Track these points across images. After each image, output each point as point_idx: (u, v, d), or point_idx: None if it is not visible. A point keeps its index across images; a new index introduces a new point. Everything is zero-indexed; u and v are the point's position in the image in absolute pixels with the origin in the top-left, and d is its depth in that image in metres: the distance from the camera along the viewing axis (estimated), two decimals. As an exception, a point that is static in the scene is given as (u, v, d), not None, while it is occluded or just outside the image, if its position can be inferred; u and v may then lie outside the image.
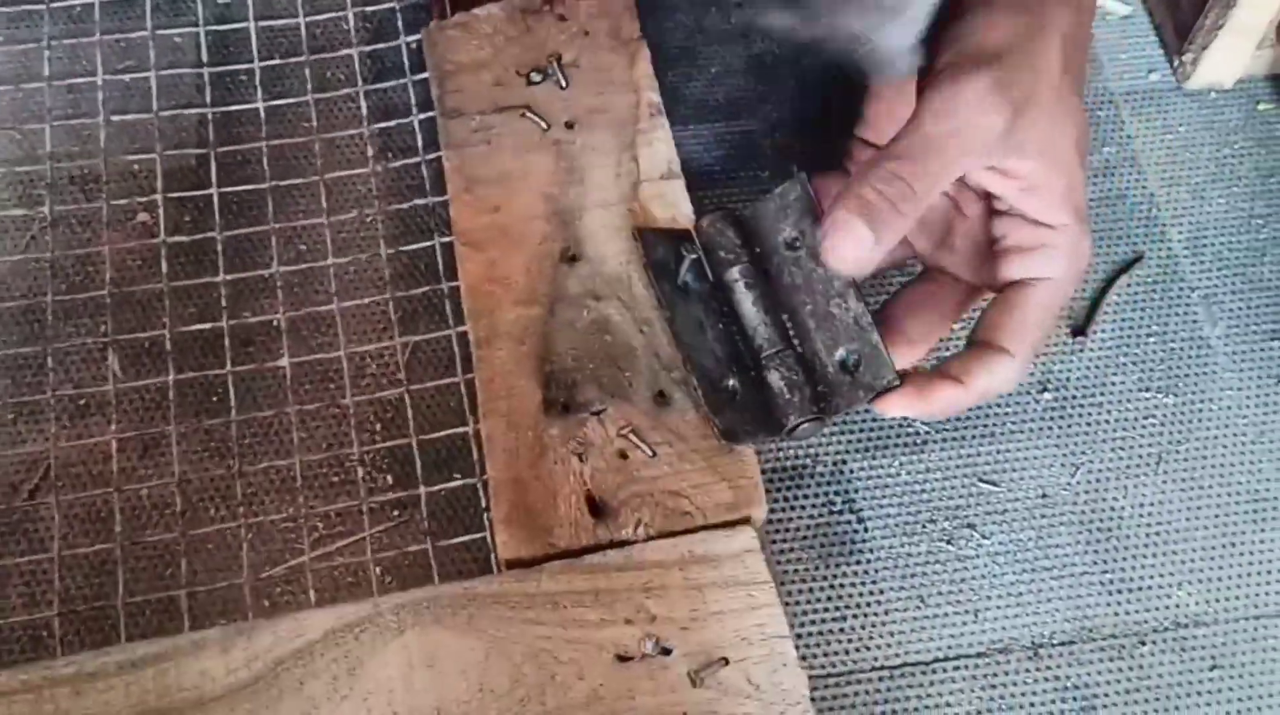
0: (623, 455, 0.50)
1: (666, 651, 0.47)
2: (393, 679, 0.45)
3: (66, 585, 0.52)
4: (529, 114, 0.57)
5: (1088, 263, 0.48)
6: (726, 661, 0.46)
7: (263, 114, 0.63)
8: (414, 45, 0.64)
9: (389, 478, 0.55)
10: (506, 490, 0.49)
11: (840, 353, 0.49)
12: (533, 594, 0.48)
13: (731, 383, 0.50)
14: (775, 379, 0.49)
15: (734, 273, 0.51)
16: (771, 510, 0.57)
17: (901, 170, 0.45)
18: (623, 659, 0.46)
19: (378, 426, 0.56)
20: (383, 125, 0.63)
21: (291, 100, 0.63)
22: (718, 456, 0.50)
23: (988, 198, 0.50)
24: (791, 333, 0.51)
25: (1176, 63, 0.71)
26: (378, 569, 0.52)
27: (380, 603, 0.47)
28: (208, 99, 0.63)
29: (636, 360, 0.52)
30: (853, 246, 0.46)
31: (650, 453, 0.50)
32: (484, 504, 0.53)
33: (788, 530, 0.57)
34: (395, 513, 0.54)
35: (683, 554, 0.48)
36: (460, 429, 0.55)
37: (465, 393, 0.55)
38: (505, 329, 0.53)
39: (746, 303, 0.51)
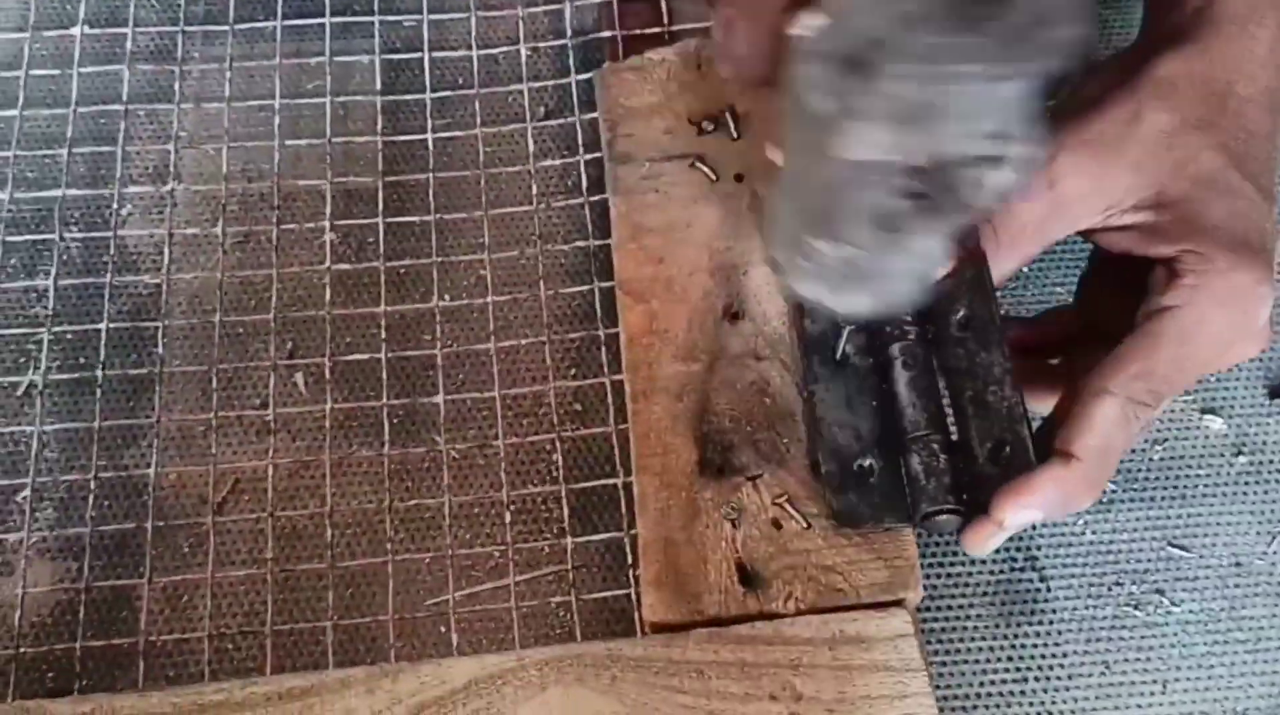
0: (776, 524, 0.49)
1: (811, 733, 0.45)
2: (533, 736, 0.45)
3: (219, 606, 0.53)
4: (699, 164, 0.56)
5: (1244, 293, 0.45)
6: (873, 749, 0.45)
7: (431, 145, 0.63)
8: (583, 83, 0.64)
9: (536, 525, 0.54)
10: (656, 551, 0.49)
11: (991, 444, 0.47)
12: (678, 661, 0.47)
13: (869, 463, 0.48)
14: (915, 464, 0.48)
15: (895, 350, 0.49)
16: (952, 565, 0.55)
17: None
18: (766, 737, 0.45)
19: (527, 471, 0.55)
20: (548, 163, 0.63)
21: (460, 133, 0.64)
22: (875, 533, 0.49)
23: None
24: (951, 418, 0.49)
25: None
26: (519, 618, 0.52)
27: (524, 656, 0.47)
28: (379, 128, 0.63)
29: (796, 426, 0.51)
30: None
31: (805, 524, 0.49)
32: (629, 560, 0.53)
33: (968, 585, 0.55)
34: (540, 561, 0.54)
35: (833, 632, 0.47)
36: (609, 481, 0.54)
37: (616, 444, 0.55)
38: (663, 384, 0.52)
39: (901, 383, 0.49)
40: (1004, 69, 0.34)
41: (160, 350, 0.58)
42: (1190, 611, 0.55)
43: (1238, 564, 0.56)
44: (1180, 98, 0.47)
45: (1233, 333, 0.46)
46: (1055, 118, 0.48)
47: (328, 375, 0.57)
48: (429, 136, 0.63)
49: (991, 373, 0.47)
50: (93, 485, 0.55)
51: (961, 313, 0.49)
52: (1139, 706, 0.53)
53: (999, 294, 0.49)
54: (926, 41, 0.34)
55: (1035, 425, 0.47)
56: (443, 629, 0.52)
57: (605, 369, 0.57)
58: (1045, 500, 0.45)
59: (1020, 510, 0.45)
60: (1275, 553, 0.56)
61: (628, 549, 0.53)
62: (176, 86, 0.65)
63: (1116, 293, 0.50)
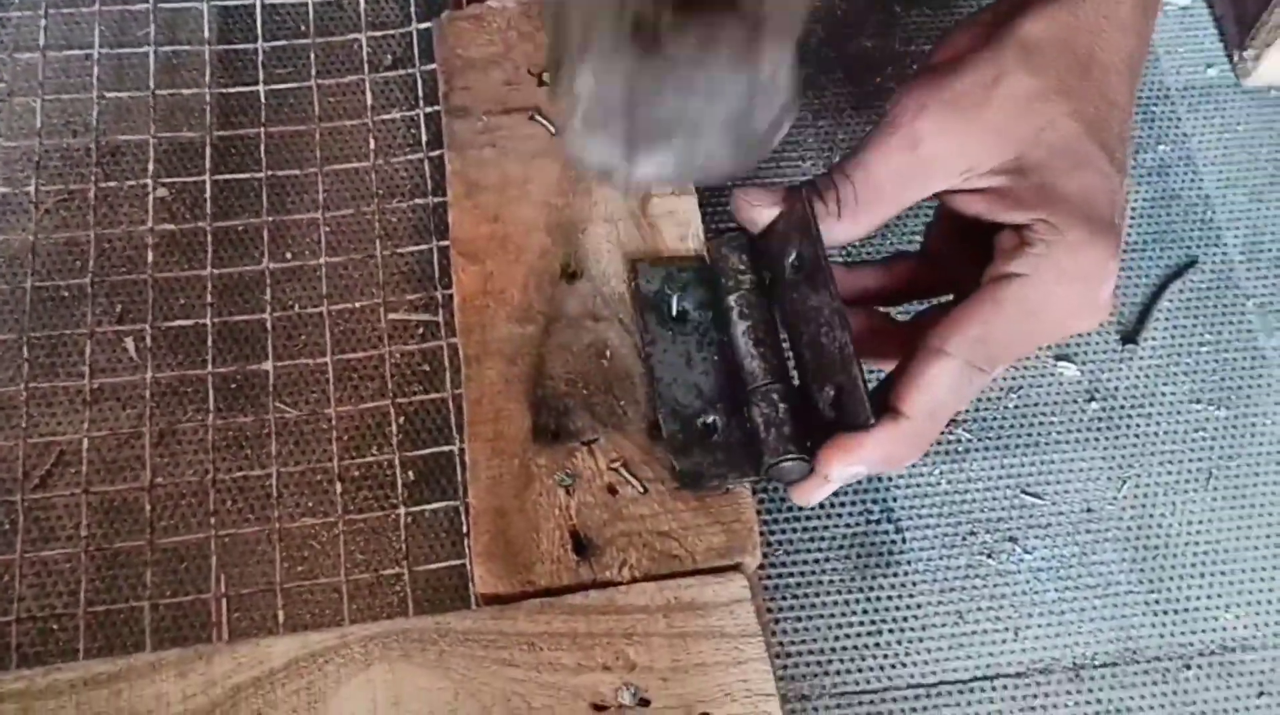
0: (612, 490, 0.48)
1: (645, 703, 0.44)
2: (356, 716, 0.43)
3: (38, 588, 0.50)
4: (538, 117, 0.54)
5: (1091, 269, 0.45)
6: (707, 717, 0.44)
7: (263, 98, 0.60)
8: (426, 32, 0.61)
9: (368, 495, 0.52)
10: (487, 520, 0.47)
11: (829, 388, 0.46)
12: (508, 633, 0.45)
13: (712, 420, 0.47)
14: (756, 415, 0.46)
15: (730, 300, 0.48)
16: (808, 518, 0.55)
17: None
18: (599, 708, 0.44)
19: (362, 439, 0.53)
20: (388, 117, 0.60)
21: (294, 85, 0.61)
22: (712, 497, 0.48)
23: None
24: (792, 365, 0.48)
25: (1236, 58, 0.67)
26: (350, 591, 0.50)
27: (348, 633, 0.45)
28: (207, 79, 0.60)
29: (633, 388, 0.49)
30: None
31: (641, 489, 0.48)
32: (465, 529, 0.51)
33: (824, 539, 0.55)
34: (373, 532, 0.52)
35: (668, 600, 0.46)
36: (447, 447, 0.53)
37: (453, 409, 0.53)
38: (497, 347, 0.50)
39: (739, 333, 0.48)
40: None
41: (-31, 318, 0.55)
42: (1042, 559, 0.55)
43: (1089, 510, 0.56)
44: (1043, 61, 0.45)
45: (1077, 306, 0.45)
46: (917, 75, 0.47)
47: (150, 342, 0.54)
48: (261, 88, 0.60)
49: (822, 315, 0.46)
50: (-108, 463, 0.52)
51: (793, 255, 0.48)
52: (990, 655, 0.53)
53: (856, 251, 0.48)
54: None
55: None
56: (270, 606, 0.50)
57: (443, 332, 0.55)
58: (870, 457, 0.44)
59: (845, 467, 0.44)
60: (1125, 498, 0.57)
61: (463, 517, 0.51)
62: (-12, 35, 0.61)
63: (960, 245, 0.49)
